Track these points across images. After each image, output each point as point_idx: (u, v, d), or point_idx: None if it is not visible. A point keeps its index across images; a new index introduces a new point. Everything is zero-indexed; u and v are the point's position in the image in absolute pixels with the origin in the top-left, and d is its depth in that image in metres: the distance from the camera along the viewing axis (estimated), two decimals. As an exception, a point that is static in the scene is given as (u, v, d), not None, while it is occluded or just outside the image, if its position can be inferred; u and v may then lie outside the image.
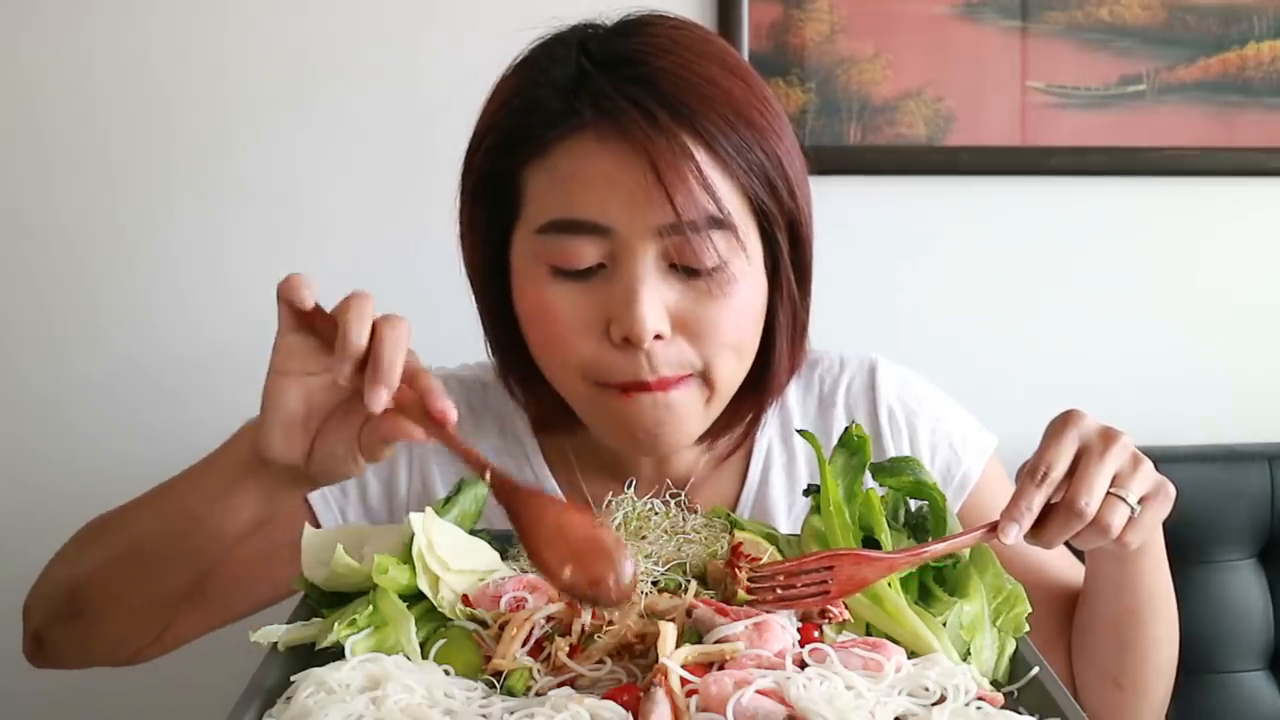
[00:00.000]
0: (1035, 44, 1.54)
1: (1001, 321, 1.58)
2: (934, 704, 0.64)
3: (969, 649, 0.74)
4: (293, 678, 0.68)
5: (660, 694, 0.63)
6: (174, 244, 1.51)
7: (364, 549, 0.82)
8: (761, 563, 0.78)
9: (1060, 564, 1.05)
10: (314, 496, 1.02)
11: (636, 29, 0.91)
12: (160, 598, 0.92)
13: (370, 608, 0.75)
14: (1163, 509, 0.83)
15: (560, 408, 0.98)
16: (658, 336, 0.87)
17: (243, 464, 0.83)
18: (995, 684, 0.72)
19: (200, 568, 0.89)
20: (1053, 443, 0.79)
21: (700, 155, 0.85)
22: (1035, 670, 0.71)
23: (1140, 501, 0.81)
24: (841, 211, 1.53)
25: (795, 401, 1.09)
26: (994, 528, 0.77)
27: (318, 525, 1.01)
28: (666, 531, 0.85)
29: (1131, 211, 1.59)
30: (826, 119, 1.53)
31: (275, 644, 0.76)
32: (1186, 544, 1.47)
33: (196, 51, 1.48)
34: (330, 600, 0.81)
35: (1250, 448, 1.53)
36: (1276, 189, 1.61)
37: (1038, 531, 0.79)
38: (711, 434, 0.99)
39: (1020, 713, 0.65)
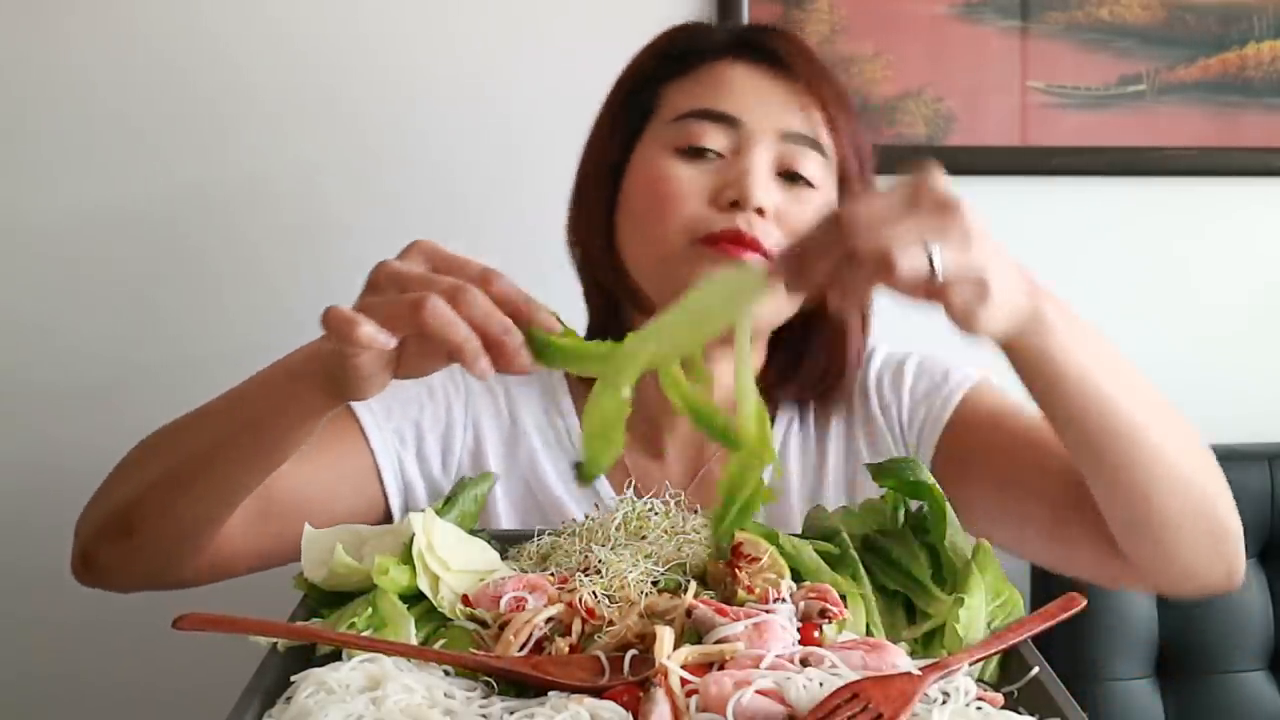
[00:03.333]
0: (1035, 44, 1.54)
1: (1001, 321, 1.58)
2: (935, 704, 0.64)
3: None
4: (293, 678, 0.68)
5: (660, 694, 0.63)
6: (175, 244, 1.51)
7: (364, 549, 0.82)
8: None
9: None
10: (375, 444, 1.03)
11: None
12: (211, 514, 0.90)
13: (370, 608, 0.75)
14: (982, 262, 0.71)
15: (614, 315, 1.08)
16: (759, 211, 0.98)
17: (310, 380, 0.79)
18: (993, 685, 0.72)
19: (255, 479, 0.87)
20: (872, 195, 0.71)
21: (828, 91, 1.02)
22: (1035, 670, 0.71)
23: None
24: (841, 211, 1.53)
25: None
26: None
27: (379, 472, 1.03)
28: (666, 531, 0.85)
29: (1131, 211, 1.59)
30: (826, 119, 1.52)
31: (275, 644, 0.76)
32: (1186, 544, 1.47)
33: (207, 49, 1.48)
34: (330, 600, 0.81)
35: (1250, 448, 1.53)
36: (1276, 189, 1.61)
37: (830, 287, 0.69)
38: (799, 386, 1.08)
39: (1020, 713, 0.65)
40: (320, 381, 0.77)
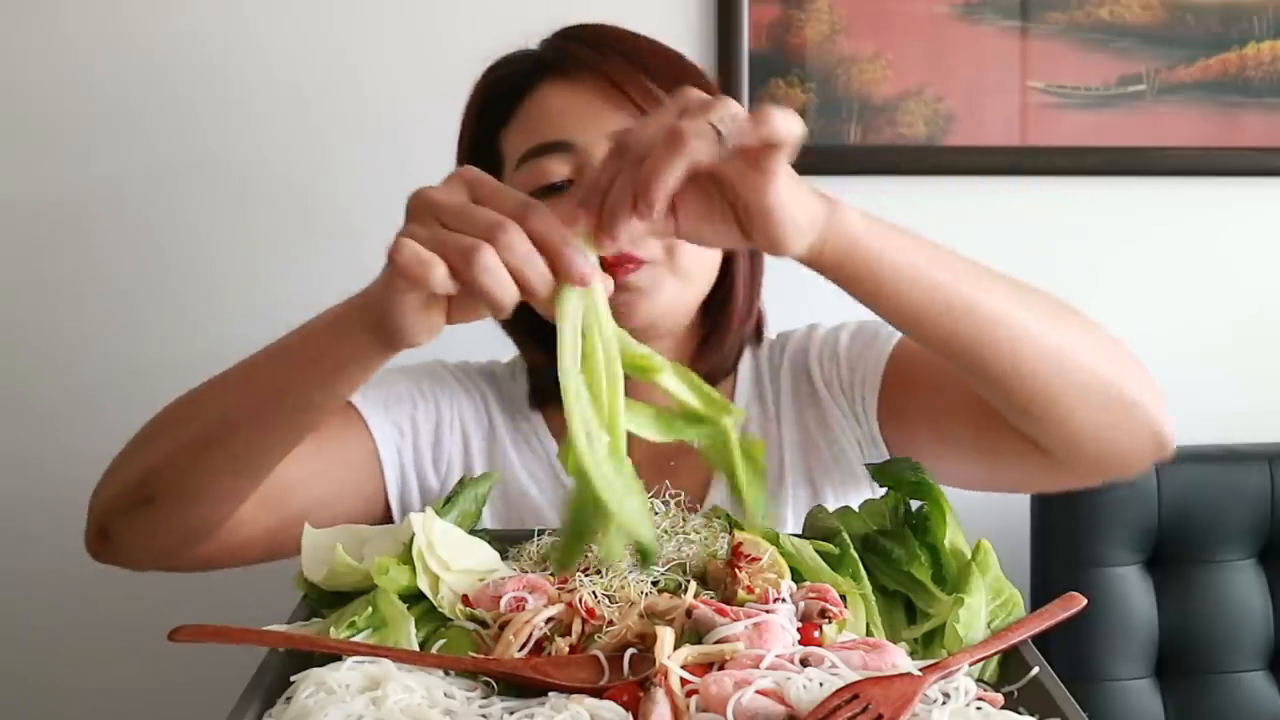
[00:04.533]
0: (1035, 44, 1.54)
1: (1001, 321, 1.58)
2: (935, 704, 0.64)
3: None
4: (293, 678, 0.68)
5: (660, 694, 0.63)
6: (179, 244, 1.51)
7: (364, 549, 0.82)
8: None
9: None
10: (377, 435, 1.04)
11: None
12: (238, 483, 0.89)
13: (370, 608, 0.75)
14: (766, 130, 0.68)
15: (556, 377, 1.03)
16: None
17: (360, 329, 0.78)
18: (993, 685, 0.72)
19: (288, 443, 0.87)
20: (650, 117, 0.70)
21: (641, 76, 1.00)
22: (1035, 670, 0.71)
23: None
24: (841, 211, 1.53)
25: (766, 371, 1.14)
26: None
27: (380, 462, 1.04)
28: (666, 531, 0.85)
29: (1131, 211, 1.59)
30: (826, 119, 1.52)
31: (275, 644, 0.76)
32: (1187, 544, 1.47)
33: (205, 49, 1.48)
34: (330, 600, 0.81)
35: (1250, 448, 1.53)
36: (1276, 189, 1.61)
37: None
38: (694, 358, 1.08)
39: (1020, 713, 0.65)
40: (373, 327, 0.75)
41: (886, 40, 1.52)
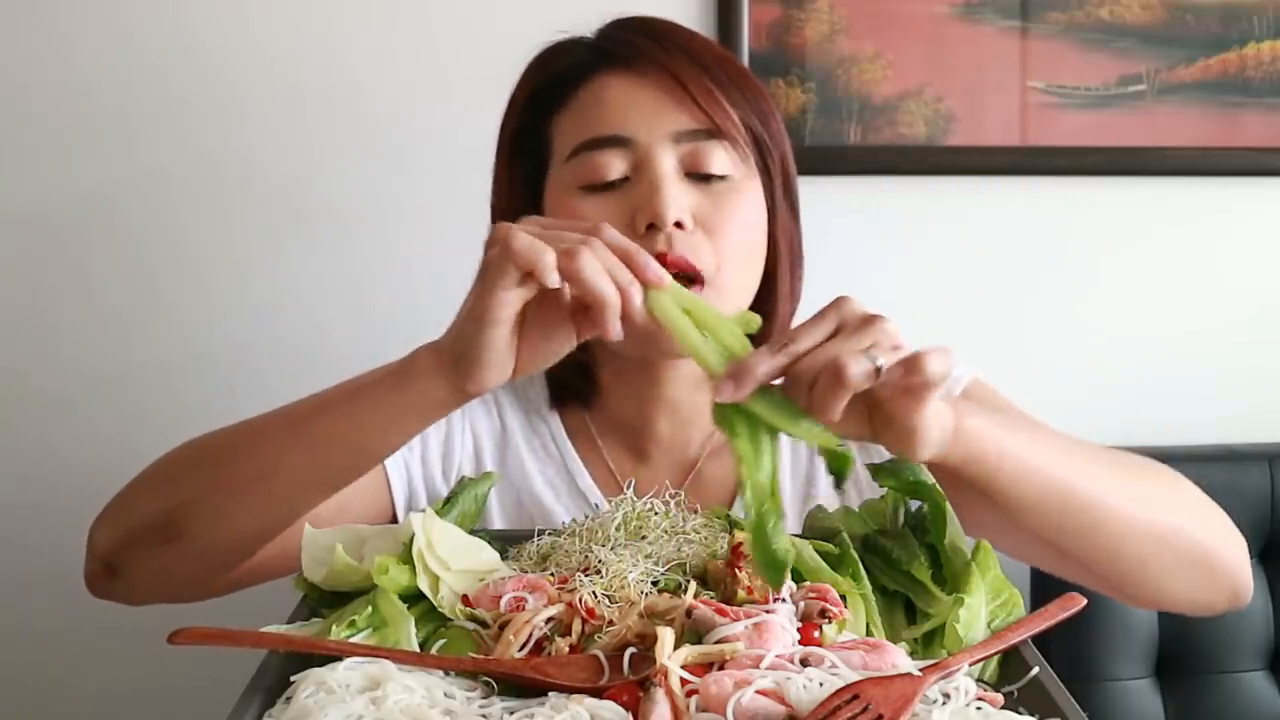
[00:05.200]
0: (1035, 44, 1.54)
1: (1001, 321, 1.58)
2: (935, 704, 0.64)
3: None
4: (293, 678, 0.68)
5: (660, 694, 0.63)
6: (179, 244, 1.51)
7: (364, 549, 0.82)
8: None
9: None
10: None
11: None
12: (279, 519, 0.89)
13: (370, 608, 0.75)
14: (921, 372, 0.72)
15: (578, 372, 1.05)
16: (678, 225, 0.95)
17: (432, 371, 0.80)
18: (993, 685, 0.72)
19: (342, 482, 0.88)
20: (808, 321, 0.74)
21: (705, 78, 0.98)
22: (1035, 670, 0.71)
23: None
24: (842, 212, 1.53)
25: None
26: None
27: (389, 483, 1.04)
28: (666, 531, 0.85)
29: (1131, 211, 1.59)
30: (826, 119, 1.52)
31: (275, 644, 0.76)
32: (1186, 544, 1.47)
33: (204, 50, 1.48)
34: (330, 600, 0.81)
35: (1250, 448, 1.53)
36: (1276, 189, 1.61)
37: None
38: None
39: (1020, 713, 0.65)
40: (448, 366, 0.79)
41: (886, 40, 1.52)
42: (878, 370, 0.70)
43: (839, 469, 0.71)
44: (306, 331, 1.49)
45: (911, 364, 0.70)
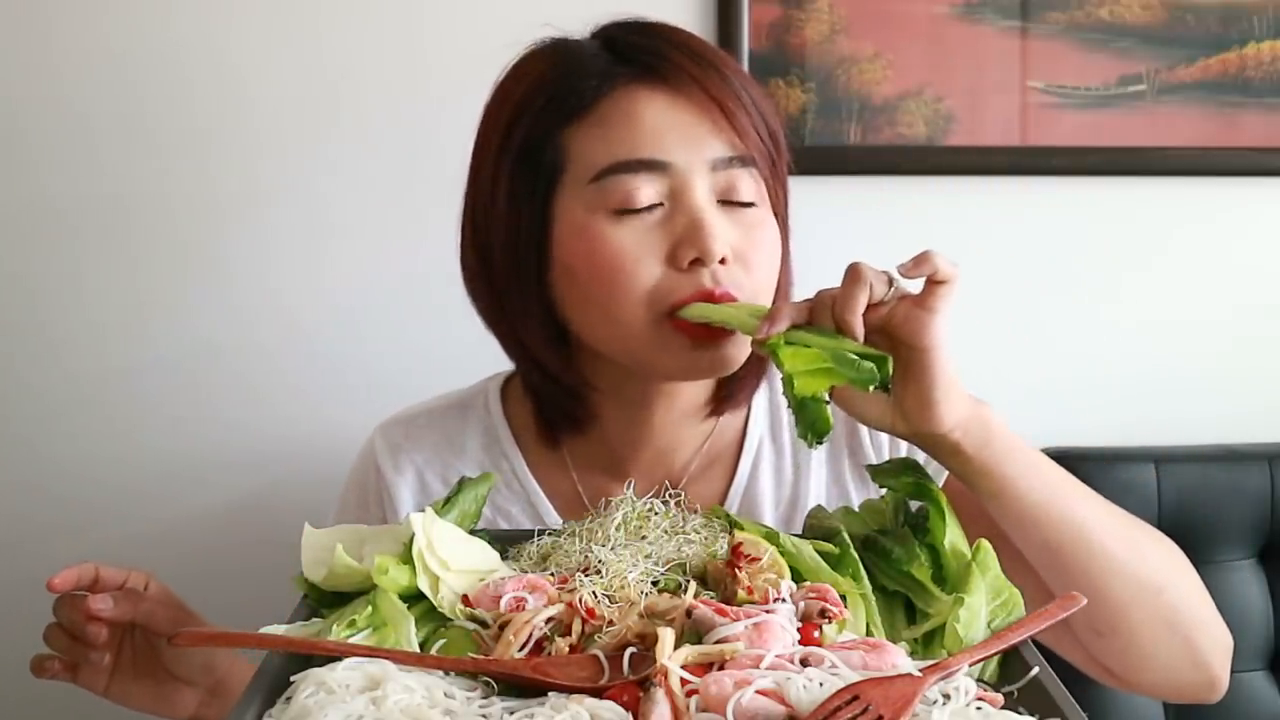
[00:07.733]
0: (1035, 44, 1.54)
1: (1001, 322, 1.58)
2: (935, 704, 0.64)
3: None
4: (293, 678, 0.68)
5: (660, 694, 0.63)
6: (180, 244, 1.51)
7: (364, 549, 0.82)
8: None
9: None
10: None
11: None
12: None
13: (370, 608, 0.75)
14: (929, 263, 0.79)
15: (570, 395, 1.03)
16: (721, 261, 0.92)
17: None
18: (993, 685, 0.72)
19: None
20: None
21: (738, 101, 0.95)
22: (1035, 670, 0.71)
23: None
24: (841, 212, 1.53)
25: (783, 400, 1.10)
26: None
27: None
28: (666, 531, 0.85)
29: (1131, 211, 1.59)
30: (826, 119, 1.53)
31: (275, 644, 0.76)
32: (1186, 544, 1.46)
33: (216, 57, 1.49)
34: (330, 600, 0.81)
35: (1250, 448, 1.53)
36: (1276, 189, 1.61)
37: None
38: (722, 395, 1.05)
39: (1020, 713, 0.65)
40: None
41: (886, 40, 1.52)
42: (889, 278, 0.79)
43: (880, 373, 0.78)
44: (307, 332, 1.49)
45: (920, 258, 0.79)
